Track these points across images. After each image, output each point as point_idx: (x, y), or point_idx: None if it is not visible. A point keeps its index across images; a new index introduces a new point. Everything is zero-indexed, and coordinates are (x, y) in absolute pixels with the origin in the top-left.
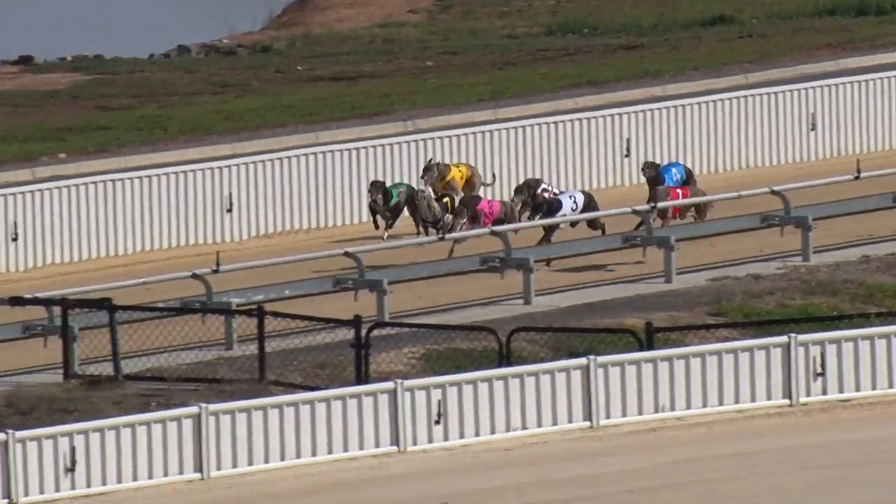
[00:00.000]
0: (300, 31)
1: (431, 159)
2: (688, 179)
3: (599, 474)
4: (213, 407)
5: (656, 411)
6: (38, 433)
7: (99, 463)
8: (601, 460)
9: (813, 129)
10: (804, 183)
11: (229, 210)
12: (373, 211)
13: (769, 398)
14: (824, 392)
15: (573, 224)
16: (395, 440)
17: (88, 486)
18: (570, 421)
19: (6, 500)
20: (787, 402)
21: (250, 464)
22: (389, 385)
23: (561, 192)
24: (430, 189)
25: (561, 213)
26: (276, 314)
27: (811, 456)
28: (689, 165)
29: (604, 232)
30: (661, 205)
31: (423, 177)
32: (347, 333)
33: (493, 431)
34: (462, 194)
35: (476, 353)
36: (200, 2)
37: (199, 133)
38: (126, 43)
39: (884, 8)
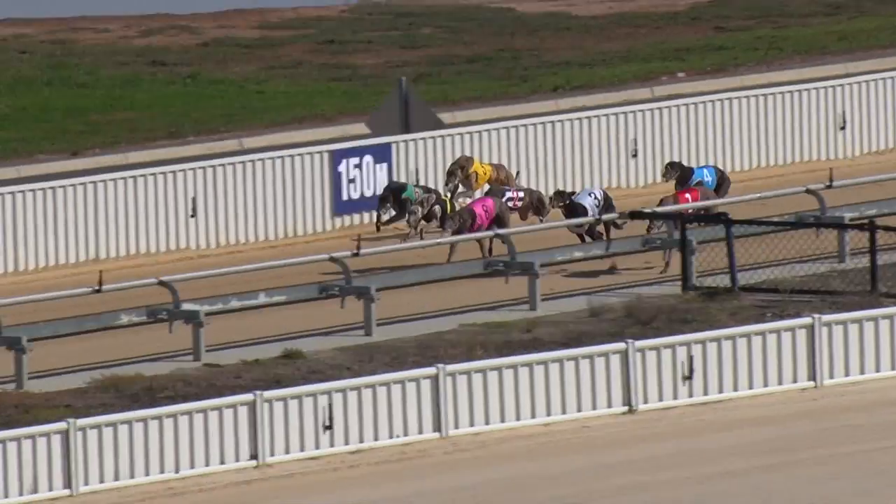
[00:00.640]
0: None
1: (456, 162)
2: (720, 183)
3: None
4: (825, 318)
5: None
6: (656, 343)
7: (715, 371)
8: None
9: None
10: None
11: (843, 128)
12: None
13: None
14: None
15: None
16: None
17: (705, 393)
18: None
19: (626, 408)
20: None
21: (861, 373)
22: None
23: (577, 193)
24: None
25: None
26: (887, 228)
27: None
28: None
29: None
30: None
31: (446, 184)
32: None
33: None
34: (472, 191)
35: None
36: None
37: (813, 53)
38: None
39: None
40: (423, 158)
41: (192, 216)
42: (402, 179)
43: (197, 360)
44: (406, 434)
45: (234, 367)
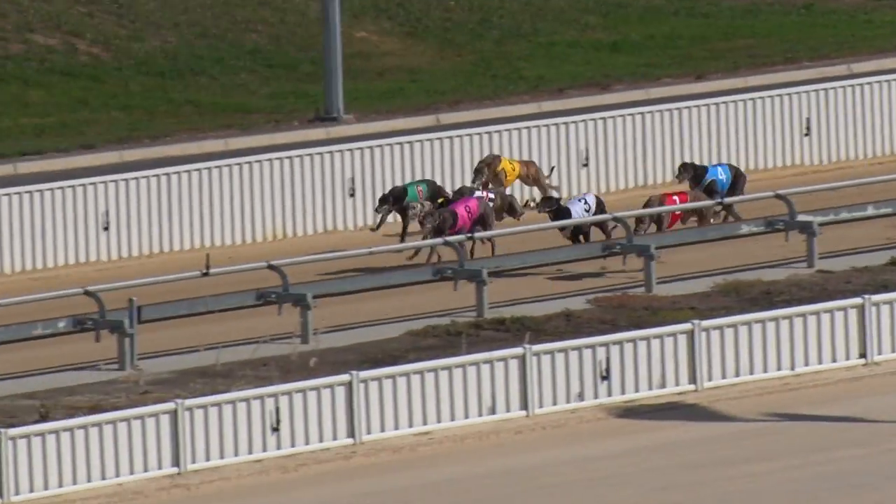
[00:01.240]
0: None
1: (482, 161)
2: (735, 181)
3: None
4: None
5: None
6: None
7: None
8: None
9: None
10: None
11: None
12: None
13: None
14: None
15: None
16: None
17: None
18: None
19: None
20: None
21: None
22: None
23: (570, 200)
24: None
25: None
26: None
27: None
28: None
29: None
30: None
31: (473, 181)
32: None
33: None
34: (502, 189)
35: None
36: None
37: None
38: None
39: None
40: None
41: (806, 135)
42: None
43: (811, 266)
44: None
45: (844, 273)
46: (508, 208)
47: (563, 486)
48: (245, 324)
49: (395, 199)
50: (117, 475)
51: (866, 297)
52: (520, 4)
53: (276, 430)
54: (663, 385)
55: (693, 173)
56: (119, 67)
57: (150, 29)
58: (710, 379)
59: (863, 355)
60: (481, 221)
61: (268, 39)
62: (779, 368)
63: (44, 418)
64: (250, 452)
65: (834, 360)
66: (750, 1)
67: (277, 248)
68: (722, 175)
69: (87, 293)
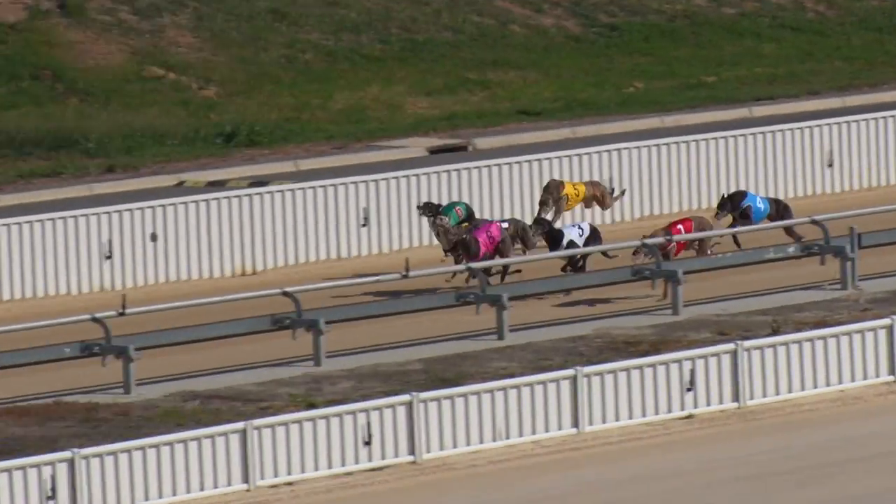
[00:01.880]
0: None
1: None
2: (778, 211)
3: None
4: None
5: None
6: None
7: None
8: None
9: None
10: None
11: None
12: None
13: None
14: None
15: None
16: None
17: None
18: None
19: None
20: None
21: None
22: None
23: (566, 226)
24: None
25: (565, 242)
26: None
27: None
28: None
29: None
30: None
31: (539, 213)
32: None
33: None
34: (552, 210)
35: None
36: None
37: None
38: None
39: None
40: None
41: None
42: None
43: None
44: None
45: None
46: (522, 236)
47: None
48: None
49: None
50: (851, 380)
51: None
52: None
53: None
54: None
55: (731, 204)
56: (842, 23)
57: None
58: None
59: None
60: (500, 249)
61: None
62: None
63: (775, 332)
64: None
65: None
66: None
67: None
68: (760, 204)
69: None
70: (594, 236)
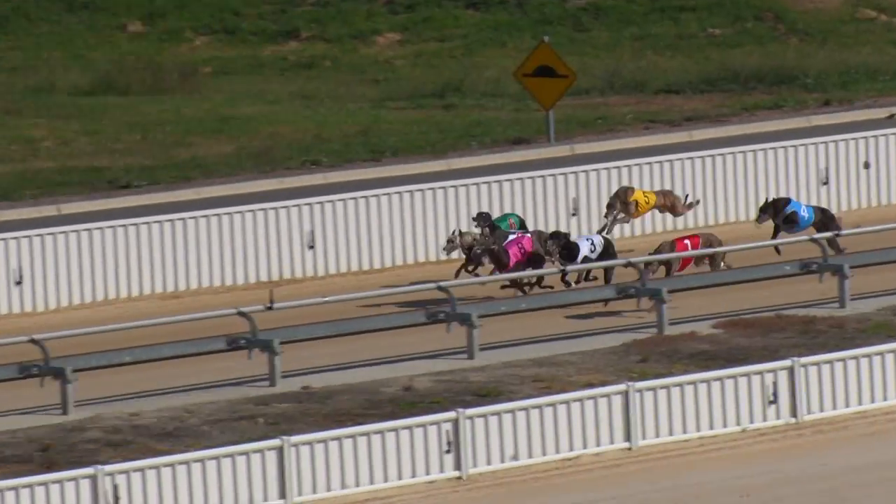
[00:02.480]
0: None
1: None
2: (824, 221)
3: None
4: None
5: None
6: None
7: None
8: None
9: None
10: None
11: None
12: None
13: None
14: None
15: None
16: None
17: None
18: None
19: None
20: None
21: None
22: None
23: (578, 237)
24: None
25: (580, 256)
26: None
27: None
28: None
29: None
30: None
31: (605, 215)
32: None
33: None
34: (621, 217)
35: None
36: None
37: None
38: None
39: None
40: None
41: None
42: None
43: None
44: None
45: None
46: (543, 247)
47: None
48: None
49: (490, 226)
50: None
51: None
52: None
53: None
54: None
55: (773, 209)
56: None
57: None
58: None
59: None
60: (535, 259)
61: None
62: None
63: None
64: None
65: None
66: None
67: None
68: (805, 213)
69: None
70: (607, 251)
